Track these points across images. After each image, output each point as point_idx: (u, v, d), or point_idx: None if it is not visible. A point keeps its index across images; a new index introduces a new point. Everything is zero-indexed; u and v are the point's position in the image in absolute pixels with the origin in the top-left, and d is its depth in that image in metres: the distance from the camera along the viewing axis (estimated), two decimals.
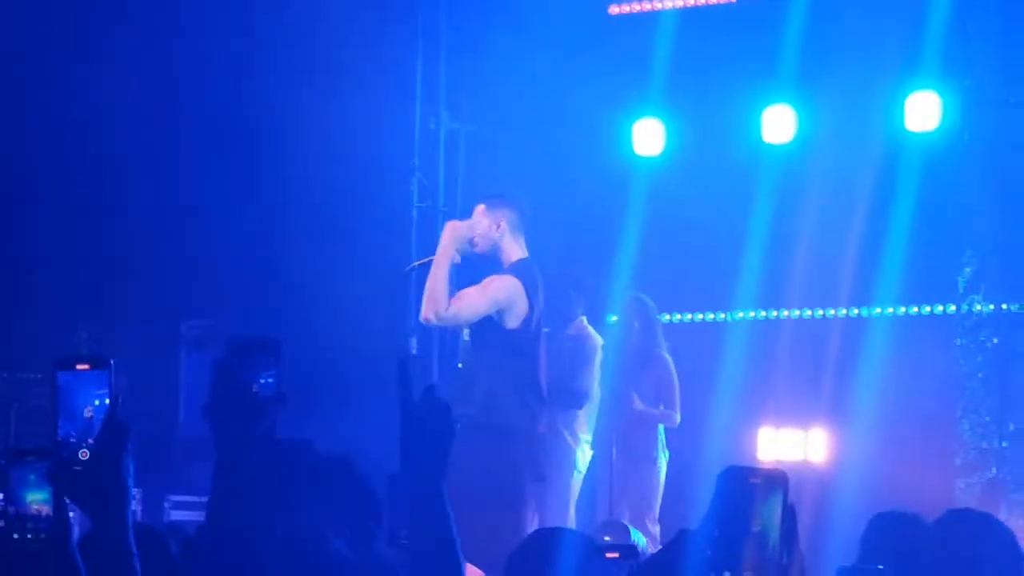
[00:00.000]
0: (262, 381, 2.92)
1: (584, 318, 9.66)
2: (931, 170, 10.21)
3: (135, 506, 2.85)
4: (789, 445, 10.46)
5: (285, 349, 2.95)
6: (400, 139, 11.00)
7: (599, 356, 9.52)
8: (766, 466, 2.64)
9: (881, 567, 3.90)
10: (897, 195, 10.23)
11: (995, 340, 10.34)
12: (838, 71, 10.36)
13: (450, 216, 9.38)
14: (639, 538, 8.67)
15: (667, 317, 10.80)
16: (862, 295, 10.67)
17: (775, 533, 2.56)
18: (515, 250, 8.09)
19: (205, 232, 10.71)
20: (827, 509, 9.01)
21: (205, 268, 10.83)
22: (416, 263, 8.47)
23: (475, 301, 7.94)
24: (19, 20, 10.38)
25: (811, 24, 10.37)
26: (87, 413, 2.82)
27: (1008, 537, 4.68)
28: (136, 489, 2.84)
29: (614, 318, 10.34)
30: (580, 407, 9.35)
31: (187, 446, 10.40)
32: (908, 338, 10.44)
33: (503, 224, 8.08)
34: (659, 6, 11.31)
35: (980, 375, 10.32)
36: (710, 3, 11.22)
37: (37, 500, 2.81)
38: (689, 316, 11.37)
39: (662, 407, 9.77)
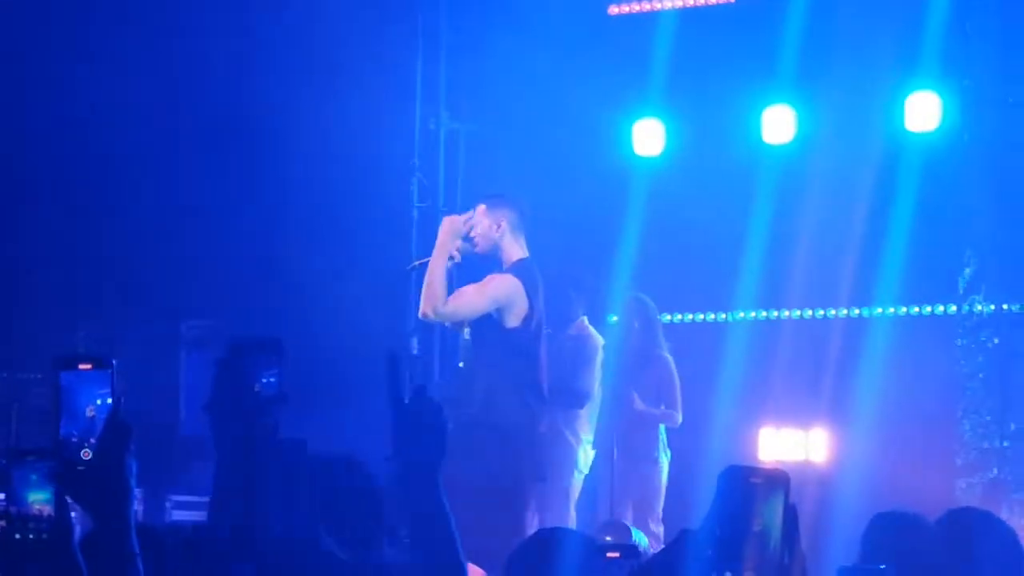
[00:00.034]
0: (264, 381, 2.92)
1: (585, 318, 9.66)
2: (931, 170, 10.22)
3: (137, 506, 2.85)
4: (790, 445, 10.45)
5: (287, 349, 2.95)
6: (400, 139, 11.00)
7: (600, 356, 9.52)
8: (767, 466, 2.64)
9: (883, 567, 3.90)
10: (897, 195, 10.23)
11: (996, 340, 10.34)
12: (838, 71, 10.35)
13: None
14: (640, 538, 8.67)
15: (668, 317, 10.80)
16: (863, 295, 10.67)
17: (776, 533, 2.57)
18: (515, 250, 8.10)
19: (205, 232, 10.71)
20: (828, 509, 9.00)
21: (205, 268, 10.83)
22: (417, 262, 8.48)
23: (474, 298, 7.95)
24: (19, 20, 10.38)
25: (811, 24, 10.37)
26: (89, 413, 2.82)
27: (1010, 536, 4.68)
28: (137, 489, 2.84)
29: (615, 318, 10.34)
30: (581, 407, 9.35)
31: (188, 446, 10.40)
32: (909, 338, 10.45)
33: (503, 224, 8.09)
34: (659, 6, 11.31)
35: (981, 375, 10.32)
36: (709, 3, 11.22)
37: (39, 500, 2.81)
38: (690, 316, 11.38)
39: (663, 407, 9.77)
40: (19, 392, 10.06)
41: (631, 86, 11.07)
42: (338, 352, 10.22)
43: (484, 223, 8.10)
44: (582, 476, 9.39)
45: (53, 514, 2.79)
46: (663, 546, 6.70)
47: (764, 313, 11.09)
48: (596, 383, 9.47)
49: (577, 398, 9.30)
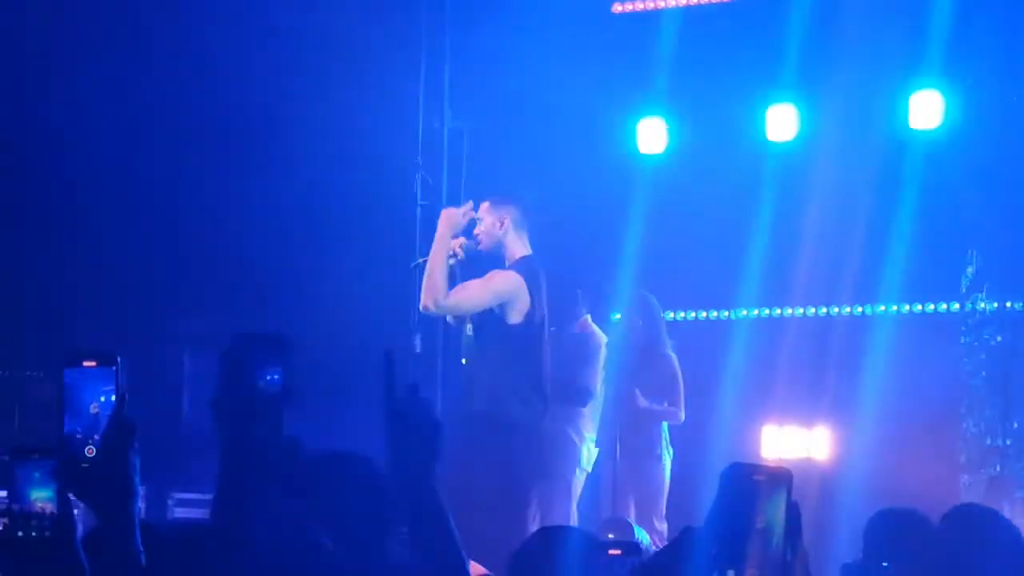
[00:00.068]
0: (267, 378, 2.91)
1: (588, 316, 9.67)
2: (934, 168, 10.22)
3: (139, 504, 2.85)
4: (793, 443, 10.45)
5: (290, 346, 2.95)
6: (403, 137, 10.99)
7: (603, 354, 9.53)
8: (770, 464, 2.64)
9: (885, 564, 3.90)
10: (900, 193, 10.23)
11: (999, 338, 10.33)
12: (841, 69, 10.35)
13: None
14: (643, 535, 8.68)
15: (671, 315, 10.79)
16: (866, 293, 10.68)
17: (779, 530, 2.57)
18: (519, 247, 8.11)
19: (208, 229, 10.71)
20: (831, 507, 9.00)
21: (208, 266, 10.84)
22: (420, 260, 8.49)
23: (477, 292, 7.96)
24: (19, 21, 10.38)
25: (814, 22, 10.37)
26: (93, 409, 2.82)
27: (1013, 534, 4.68)
28: (140, 487, 2.84)
29: (618, 316, 10.34)
30: (584, 405, 9.36)
31: (190, 443, 10.40)
32: (912, 336, 10.45)
33: (507, 222, 8.10)
34: (662, 4, 11.30)
35: (984, 373, 10.32)
36: (713, 1, 11.21)
37: (41, 498, 2.81)
38: (693, 314, 11.38)
39: (666, 404, 9.77)
40: (21, 390, 10.06)
41: (635, 84, 11.06)
42: (341, 349, 10.22)
43: (488, 221, 8.12)
44: (585, 474, 9.39)
45: (56, 512, 2.80)
46: (667, 543, 6.72)
47: (767, 311, 11.10)
48: (599, 381, 9.47)
49: (580, 396, 9.30)
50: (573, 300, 9.56)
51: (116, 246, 10.73)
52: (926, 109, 10.36)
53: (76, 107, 10.39)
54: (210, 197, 10.67)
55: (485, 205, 8.17)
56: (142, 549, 2.80)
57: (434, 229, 8.22)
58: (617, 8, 11.48)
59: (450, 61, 11.23)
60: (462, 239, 8.12)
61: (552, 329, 8.33)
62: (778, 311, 11.06)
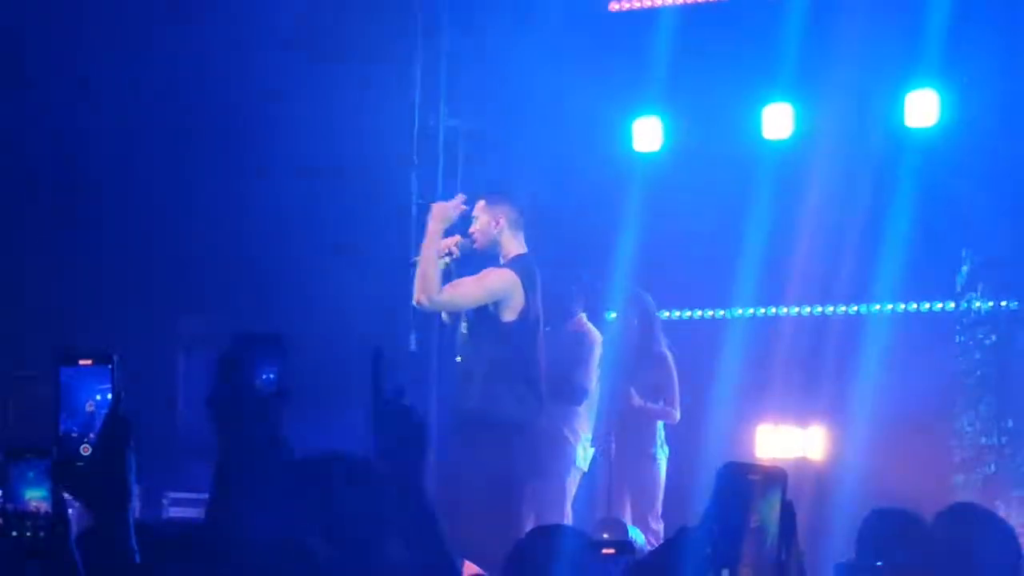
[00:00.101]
0: (264, 377, 2.92)
1: (583, 315, 9.66)
2: (929, 167, 10.23)
3: (134, 503, 2.85)
4: (787, 442, 10.46)
5: (287, 345, 2.95)
6: (399, 136, 10.99)
7: (598, 352, 9.52)
8: (765, 463, 2.64)
9: (879, 564, 3.91)
10: (895, 192, 10.24)
11: (993, 337, 10.34)
12: (837, 68, 10.35)
13: None
14: (637, 535, 8.68)
15: (666, 314, 10.80)
16: (861, 292, 10.68)
17: (774, 530, 2.57)
18: (514, 246, 8.11)
19: (205, 229, 10.70)
20: (825, 506, 9.01)
21: (203, 265, 10.83)
22: (417, 259, 8.48)
23: (471, 289, 7.96)
24: (18, 21, 10.37)
25: (810, 21, 10.37)
26: (88, 408, 2.82)
27: (1009, 534, 4.68)
28: (135, 486, 2.84)
29: (613, 315, 10.34)
30: (579, 404, 9.35)
31: (186, 443, 10.39)
32: (907, 335, 10.46)
33: (502, 220, 8.10)
34: (659, 3, 11.30)
35: (978, 372, 10.33)
36: (709, 0, 11.21)
37: (36, 497, 2.81)
38: (688, 313, 11.38)
39: (662, 403, 9.77)
40: (15, 390, 10.05)
41: (631, 82, 11.06)
42: (336, 348, 10.21)
43: (483, 219, 8.12)
44: (580, 473, 9.39)
45: (50, 511, 2.79)
46: (662, 543, 6.71)
47: (762, 310, 11.10)
48: (594, 380, 9.47)
49: (575, 394, 9.30)
50: (568, 299, 9.56)
51: (112, 245, 10.72)
52: (922, 108, 10.37)
53: (74, 106, 10.39)
54: (206, 197, 10.67)
55: (481, 204, 8.17)
56: (137, 548, 2.80)
57: None
58: (614, 6, 11.48)
59: (446, 59, 11.23)
60: (458, 237, 8.11)
61: (547, 328, 8.32)
62: (773, 310, 11.06)
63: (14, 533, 2.79)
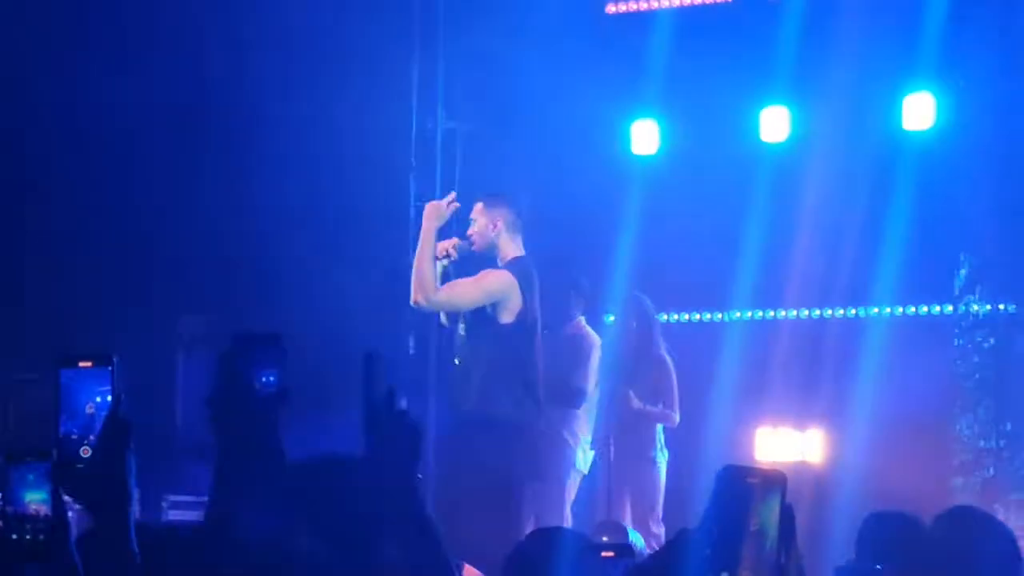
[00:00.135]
0: (264, 379, 2.91)
1: (582, 318, 9.67)
2: (926, 170, 10.22)
3: (135, 505, 2.85)
4: (786, 445, 10.46)
5: (286, 346, 2.94)
6: (397, 138, 11.00)
7: (597, 355, 9.52)
8: (764, 466, 2.64)
9: (878, 567, 3.91)
10: (893, 195, 10.24)
11: (991, 340, 10.34)
12: (834, 71, 10.35)
13: None
14: (636, 538, 8.67)
15: (665, 317, 10.80)
16: (859, 295, 10.68)
17: (773, 533, 2.57)
18: (511, 249, 8.11)
19: (202, 230, 10.71)
20: (824, 509, 9.01)
21: (203, 267, 10.83)
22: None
23: (468, 290, 7.96)
24: (17, 22, 10.37)
25: (807, 24, 10.38)
26: (88, 410, 2.82)
27: (1008, 537, 4.68)
28: (135, 488, 2.84)
29: (612, 318, 10.34)
30: (577, 406, 9.35)
31: (185, 445, 10.39)
32: (905, 338, 10.45)
33: (500, 223, 8.09)
34: (656, 5, 11.30)
35: (977, 375, 10.33)
36: (706, 3, 11.22)
37: (36, 500, 2.81)
38: (686, 316, 11.38)
39: (661, 406, 9.76)
40: (15, 392, 10.05)
41: (628, 85, 11.05)
42: (334, 351, 10.20)
43: (481, 222, 8.11)
44: (580, 476, 9.38)
45: (50, 514, 2.79)
46: (661, 546, 6.69)
47: (760, 313, 11.10)
48: (592, 382, 9.47)
49: (574, 397, 9.30)
50: (567, 301, 9.56)
51: (112, 245, 10.72)
52: (919, 111, 10.37)
53: (74, 106, 10.39)
54: (206, 198, 10.67)
55: (478, 206, 8.16)
56: (137, 551, 2.80)
57: None
58: (611, 9, 11.48)
59: (444, 62, 11.24)
60: (455, 239, 8.11)
61: (546, 331, 8.32)
62: (771, 313, 11.06)
63: (14, 536, 2.79)
